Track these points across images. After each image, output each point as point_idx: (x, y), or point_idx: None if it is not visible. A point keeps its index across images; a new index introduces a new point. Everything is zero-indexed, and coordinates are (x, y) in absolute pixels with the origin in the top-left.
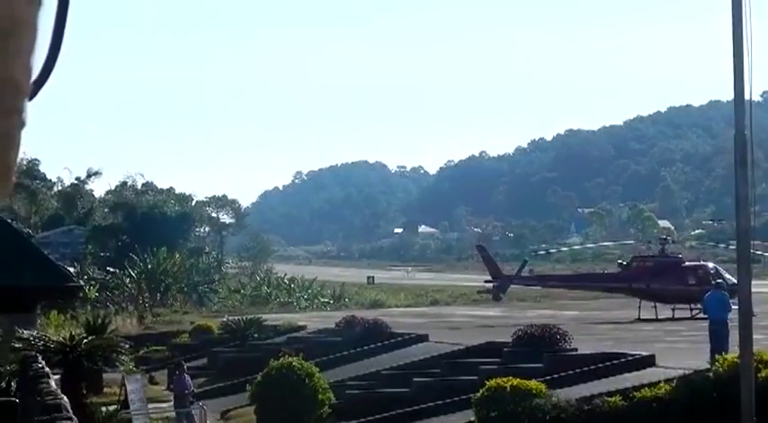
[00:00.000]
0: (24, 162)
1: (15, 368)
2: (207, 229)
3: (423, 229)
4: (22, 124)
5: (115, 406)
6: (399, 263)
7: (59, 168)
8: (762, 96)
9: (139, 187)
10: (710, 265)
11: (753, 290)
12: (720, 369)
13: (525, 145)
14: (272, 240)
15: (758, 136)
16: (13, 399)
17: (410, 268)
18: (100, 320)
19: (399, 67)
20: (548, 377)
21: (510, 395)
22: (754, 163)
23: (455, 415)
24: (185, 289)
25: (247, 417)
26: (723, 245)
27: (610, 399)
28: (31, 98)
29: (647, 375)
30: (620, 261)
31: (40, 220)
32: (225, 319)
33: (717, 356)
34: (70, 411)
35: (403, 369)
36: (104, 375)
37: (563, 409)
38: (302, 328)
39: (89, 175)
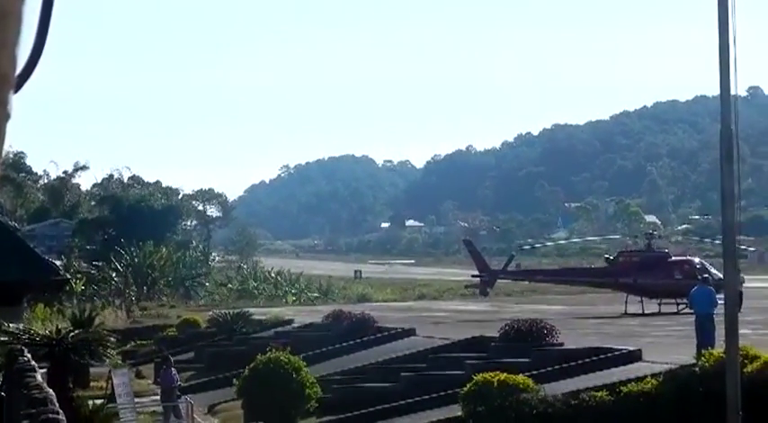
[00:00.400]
0: (10, 155)
1: (1, 362)
2: (194, 222)
3: (410, 223)
4: (7, 116)
5: (102, 400)
6: (390, 257)
7: (46, 161)
8: (747, 91)
9: (126, 181)
10: (697, 259)
11: (746, 285)
12: (707, 364)
13: (512, 139)
14: (259, 234)
15: (744, 131)
16: None
17: (391, 262)
18: (86, 314)
19: (386, 61)
20: (534, 372)
21: (497, 390)
22: (740, 158)
23: (442, 409)
24: (172, 283)
25: (234, 411)
26: (709, 240)
27: (596, 393)
28: (16, 90)
29: (633, 370)
30: (606, 256)
31: (26, 214)
32: (212, 313)
33: (703, 351)
34: (57, 405)
35: (390, 363)
36: (91, 369)
37: (550, 404)
38: (289, 322)
39: (76, 169)
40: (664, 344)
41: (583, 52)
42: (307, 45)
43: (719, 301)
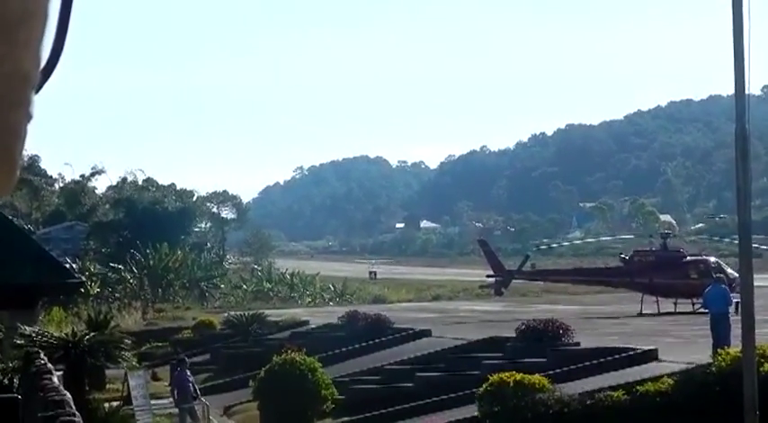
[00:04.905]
0: (25, 157)
1: (18, 364)
2: (208, 224)
3: (424, 223)
4: (29, 117)
5: (118, 402)
6: (404, 257)
7: (59, 164)
8: (762, 91)
9: (140, 183)
10: (712, 259)
11: (755, 284)
12: (723, 363)
13: (526, 139)
14: (274, 235)
15: (758, 130)
16: (16, 395)
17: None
18: (102, 316)
19: (399, 61)
20: (551, 372)
21: (513, 390)
22: (755, 156)
23: (458, 409)
24: (187, 285)
25: (250, 412)
26: (727, 239)
27: (613, 393)
28: (37, 90)
29: (649, 370)
30: (621, 255)
31: (41, 216)
32: (227, 315)
33: (719, 350)
34: (73, 407)
35: (406, 364)
36: (107, 371)
37: (566, 404)
38: (304, 323)
39: (93, 173)
40: (680, 343)
41: (596, 52)
42: (320, 46)
43: (734, 300)
